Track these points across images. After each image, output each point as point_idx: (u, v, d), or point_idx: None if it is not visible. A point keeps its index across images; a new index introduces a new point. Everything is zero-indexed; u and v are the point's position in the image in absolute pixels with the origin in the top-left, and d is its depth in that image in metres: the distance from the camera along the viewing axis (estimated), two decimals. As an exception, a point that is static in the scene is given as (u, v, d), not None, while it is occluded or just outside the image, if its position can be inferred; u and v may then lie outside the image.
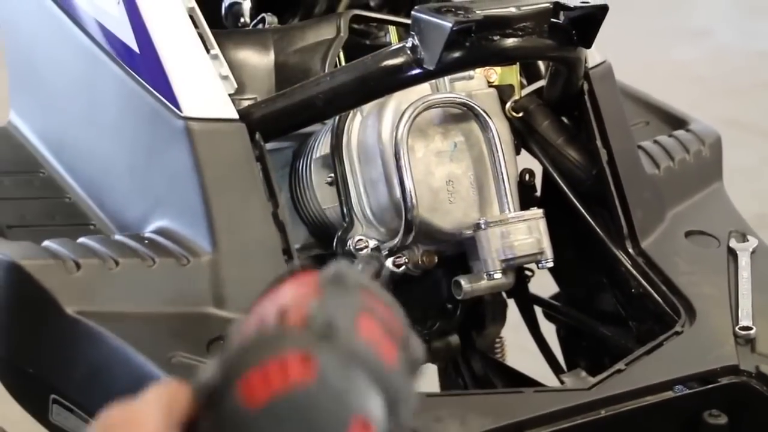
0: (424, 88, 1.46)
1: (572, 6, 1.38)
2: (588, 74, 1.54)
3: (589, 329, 1.62)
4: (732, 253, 1.56)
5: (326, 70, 1.55)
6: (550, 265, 1.46)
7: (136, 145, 1.53)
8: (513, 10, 1.37)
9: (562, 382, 1.51)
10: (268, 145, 1.46)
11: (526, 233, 1.44)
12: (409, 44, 1.38)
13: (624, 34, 3.54)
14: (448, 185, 1.47)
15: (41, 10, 1.67)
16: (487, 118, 1.47)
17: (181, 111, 1.43)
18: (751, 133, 3.99)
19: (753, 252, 1.56)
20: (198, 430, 0.72)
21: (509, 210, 1.46)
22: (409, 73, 1.39)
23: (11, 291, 1.39)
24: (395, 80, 1.41)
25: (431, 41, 1.35)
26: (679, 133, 1.76)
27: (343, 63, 1.57)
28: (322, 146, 1.52)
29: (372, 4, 1.75)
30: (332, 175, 1.50)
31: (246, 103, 1.52)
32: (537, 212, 1.46)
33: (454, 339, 1.62)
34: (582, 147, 1.56)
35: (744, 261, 1.54)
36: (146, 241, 1.42)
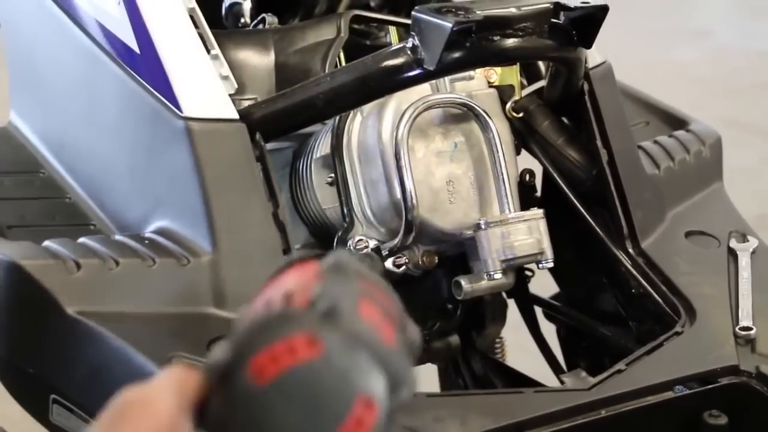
0: (424, 89, 1.46)
1: (572, 6, 1.38)
2: (588, 74, 1.54)
3: (589, 329, 1.62)
4: (732, 254, 1.56)
5: (326, 71, 1.55)
6: (550, 265, 1.46)
7: (137, 146, 1.53)
8: (513, 10, 1.37)
9: (562, 383, 1.51)
10: (269, 146, 1.46)
11: (527, 233, 1.44)
12: (409, 44, 1.38)
13: (624, 34, 3.54)
14: (448, 185, 1.47)
15: (41, 10, 1.67)
16: (487, 118, 1.47)
17: (181, 111, 1.43)
18: (751, 134, 3.99)
19: (753, 252, 1.56)
20: (209, 408, 0.74)
21: (509, 210, 1.46)
22: (410, 74, 1.39)
23: (11, 291, 1.39)
24: (395, 80, 1.41)
25: (431, 41, 1.35)
26: (680, 133, 1.76)
27: (344, 63, 1.57)
28: (322, 146, 1.52)
29: (372, 4, 1.75)
30: (332, 175, 1.50)
31: (246, 104, 1.52)
32: (537, 212, 1.46)
33: (455, 339, 1.62)
34: (582, 147, 1.56)
35: (744, 261, 1.54)
36: (146, 242, 1.42)
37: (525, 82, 1.60)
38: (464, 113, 1.48)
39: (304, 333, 0.72)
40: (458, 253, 1.49)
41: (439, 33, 1.34)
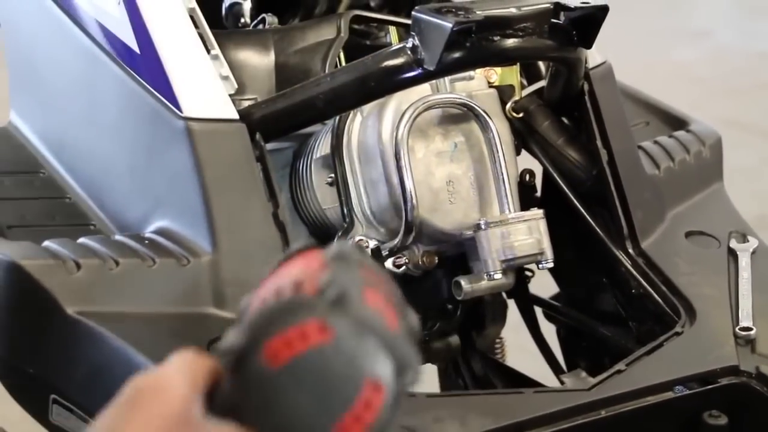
0: (424, 89, 1.46)
1: (573, 6, 1.38)
2: (588, 75, 1.54)
3: (589, 330, 1.62)
4: (732, 254, 1.56)
5: (326, 71, 1.55)
6: (551, 265, 1.46)
7: (137, 146, 1.53)
8: (513, 10, 1.37)
9: (562, 383, 1.51)
10: (269, 146, 1.46)
11: (527, 234, 1.44)
12: (409, 45, 1.38)
13: (624, 34, 3.54)
14: (448, 186, 1.47)
15: (42, 10, 1.67)
16: (487, 118, 1.47)
17: (181, 111, 1.43)
18: (751, 134, 3.99)
19: (753, 252, 1.56)
20: (221, 392, 0.76)
21: (509, 210, 1.46)
22: (410, 74, 1.39)
23: (11, 291, 1.39)
24: (395, 81, 1.41)
25: (432, 42, 1.35)
26: (680, 133, 1.76)
27: (344, 63, 1.57)
28: (322, 146, 1.52)
29: (372, 4, 1.75)
30: (332, 175, 1.50)
31: (246, 104, 1.52)
32: (537, 213, 1.46)
33: (455, 339, 1.62)
34: (582, 147, 1.56)
35: (744, 261, 1.54)
36: (146, 242, 1.42)
37: (525, 83, 1.60)
38: (464, 113, 1.48)
39: (315, 319, 0.74)
40: (458, 253, 1.49)
41: (439, 33, 1.34)
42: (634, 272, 1.51)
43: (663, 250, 1.54)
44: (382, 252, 1.46)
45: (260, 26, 1.69)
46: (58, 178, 1.67)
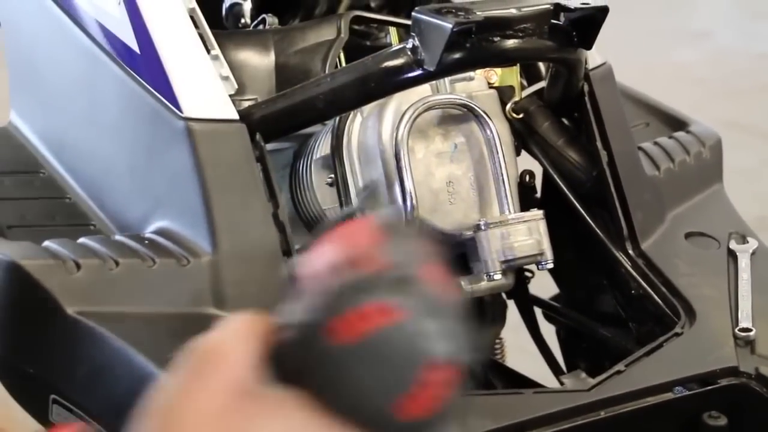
0: (424, 89, 1.46)
1: (572, 7, 1.38)
2: (588, 76, 1.54)
3: (589, 330, 1.62)
4: (732, 255, 1.56)
5: (327, 71, 1.55)
6: (550, 266, 1.46)
7: (137, 146, 1.53)
8: (513, 11, 1.37)
9: (561, 384, 1.51)
10: (269, 146, 1.46)
11: (526, 234, 1.44)
12: (409, 45, 1.39)
13: (624, 35, 3.54)
14: (448, 186, 1.47)
15: (42, 10, 1.67)
16: (487, 119, 1.47)
17: (181, 111, 1.43)
18: (752, 135, 3.99)
19: (753, 254, 1.56)
20: (283, 360, 0.76)
21: (509, 211, 1.46)
22: (410, 74, 1.39)
23: (11, 291, 1.39)
24: (396, 81, 1.41)
25: (432, 42, 1.35)
26: (680, 134, 1.76)
27: (344, 64, 1.57)
28: (322, 147, 1.52)
29: (372, 5, 1.75)
30: (332, 175, 1.50)
31: (246, 104, 1.52)
32: (537, 213, 1.46)
33: (454, 340, 1.62)
34: (582, 148, 1.56)
35: (744, 263, 1.54)
36: (146, 242, 1.42)
37: (525, 83, 1.60)
38: (464, 114, 1.48)
39: (380, 300, 0.74)
40: (458, 253, 1.49)
41: (439, 34, 1.34)
42: (634, 273, 1.51)
43: (663, 251, 1.54)
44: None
45: (260, 27, 1.69)
46: (58, 178, 1.67)
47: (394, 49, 1.42)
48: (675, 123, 1.82)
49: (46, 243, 1.41)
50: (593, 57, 1.55)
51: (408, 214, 1.42)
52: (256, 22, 1.71)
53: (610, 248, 1.53)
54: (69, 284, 1.35)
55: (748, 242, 1.58)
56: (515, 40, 1.37)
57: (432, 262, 0.79)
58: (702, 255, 1.56)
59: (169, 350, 1.29)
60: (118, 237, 1.45)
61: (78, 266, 1.36)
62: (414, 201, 1.42)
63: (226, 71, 1.52)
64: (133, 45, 1.49)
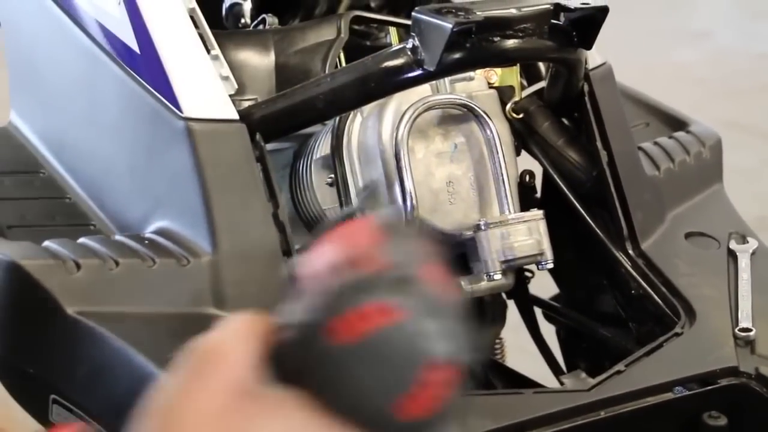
0: (424, 89, 1.46)
1: (572, 7, 1.38)
2: (588, 76, 1.54)
3: (589, 330, 1.62)
4: (732, 255, 1.56)
5: (327, 71, 1.55)
6: (550, 266, 1.46)
7: (137, 146, 1.53)
8: (513, 11, 1.37)
9: (561, 384, 1.51)
10: (269, 146, 1.46)
11: (526, 234, 1.44)
12: (409, 45, 1.39)
13: (624, 35, 3.54)
14: (448, 186, 1.47)
15: (42, 10, 1.67)
16: (487, 119, 1.47)
17: (181, 111, 1.43)
18: (752, 135, 3.99)
19: (753, 254, 1.56)
20: (282, 360, 0.76)
21: (509, 211, 1.46)
22: (410, 74, 1.39)
23: (11, 291, 1.39)
24: (396, 81, 1.41)
25: (432, 42, 1.35)
26: (680, 134, 1.76)
27: (344, 64, 1.57)
28: (322, 147, 1.52)
29: (372, 5, 1.75)
30: (332, 175, 1.50)
31: (246, 104, 1.52)
32: (537, 213, 1.46)
33: (454, 340, 1.62)
34: (582, 148, 1.56)
35: (744, 263, 1.54)
36: (146, 242, 1.42)
37: (525, 83, 1.60)
38: (464, 114, 1.48)
39: (380, 300, 0.75)
40: (458, 253, 1.49)
41: (439, 34, 1.34)
42: (634, 273, 1.51)
43: (663, 251, 1.54)
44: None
45: (260, 27, 1.69)
46: (59, 178, 1.67)
47: (394, 49, 1.42)
48: (675, 123, 1.82)
49: (46, 243, 1.41)
50: (593, 57, 1.56)
51: (408, 214, 1.42)
52: (256, 22, 1.71)
53: (610, 248, 1.53)
54: (69, 284, 1.35)
55: (748, 242, 1.58)
56: (515, 40, 1.37)
57: (432, 262, 0.79)
58: (702, 255, 1.56)
59: (169, 350, 1.29)
60: (118, 237, 1.45)
61: (78, 266, 1.36)
62: (414, 201, 1.42)
63: (226, 71, 1.52)
64: (133, 45, 1.49)
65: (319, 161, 1.52)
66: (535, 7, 1.38)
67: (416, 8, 1.38)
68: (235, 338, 0.76)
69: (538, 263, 1.46)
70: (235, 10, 1.72)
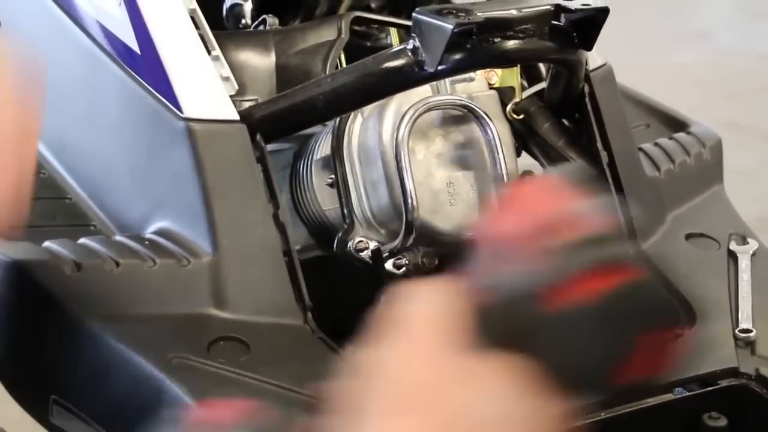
0: (425, 90, 1.46)
1: (573, 8, 1.38)
2: (589, 77, 1.54)
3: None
4: (732, 256, 1.56)
5: (327, 72, 1.55)
6: (551, 267, 1.46)
7: (137, 146, 1.53)
8: (514, 12, 1.37)
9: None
10: (269, 147, 1.46)
11: (527, 235, 1.44)
12: (410, 46, 1.39)
13: (625, 36, 3.54)
14: (448, 187, 1.47)
15: (42, 10, 1.67)
16: (487, 120, 1.47)
17: (182, 112, 1.44)
18: (752, 136, 3.99)
19: (753, 255, 1.56)
20: (490, 328, 0.74)
21: (510, 212, 1.46)
22: (410, 75, 1.39)
23: (11, 291, 1.40)
24: (396, 82, 1.41)
25: (432, 43, 1.35)
26: (680, 135, 1.76)
27: (344, 65, 1.57)
28: (322, 148, 1.52)
29: (373, 5, 1.75)
30: (333, 176, 1.50)
31: (247, 105, 1.52)
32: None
33: (454, 341, 1.62)
34: (582, 149, 1.56)
35: (744, 264, 1.54)
36: (147, 242, 1.42)
37: (525, 84, 1.60)
38: (465, 115, 1.48)
39: (611, 259, 0.74)
40: (459, 254, 1.49)
41: (440, 35, 1.34)
42: (634, 274, 1.50)
43: (663, 252, 1.54)
44: (383, 253, 1.46)
45: (261, 27, 1.69)
46: (59, 179, 1.67)
47: (394, 50, 1.42)
48: (675, 124, 1.82)
49: (47, 243, 1.41)
50: (594, 58, 1.56)
51: (408, 214, 1.42)
52: (256, 22, 1.71)
53: (611, 249, 1.52)
54: (69, 285, 1.35)
55: (748, 243, 1.58)
56: (516, 41, 1.37)
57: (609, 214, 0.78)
58: (702, 256, 1.56)
59: (169, 351, 1.30)
60: (118, 237, 1.45)
61: (78, 267, 1.36)
62: (414, 202, 1.42)
63: (227, 72, 1.52)
64: (134, 45, 1.49)
65: (320, 162, 1.52)
66: (535, 8, 1.38)
67: (417, 9, 1.38)
68: (438, 304, 0.75)
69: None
70: (236, 11, 1.72)
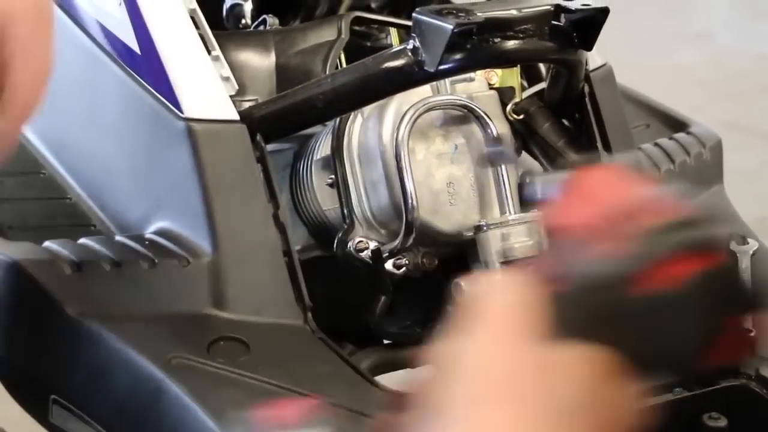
0: (425, 90, 1.46)
1: (573, 8, 1.38)
2: (589, 77, 1.54)
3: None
4: (732, 256, 1.56)
5: (327, 72, 1.55)
6: (551, 267, 1.46)
7: (137, 146, 1.53)
8: (514, 12, 1.37)
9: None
10: (269, 147, 1.46)
11: (527, 235, 1.44)
12: (410, 46, 1.39)
13: (625, 37, 3.54)
14: (448, 187, 1.47)
15: (43, 10, 1.67)
16: (487, 120, 1.47)
17: (182, 112, 1.44)
18: (752, 136, 3.99)
19: (753, 254, 1.56)
20: (566, 316, 0.74)
21: (510, 212, 1.46)
22: (410, 75, 1.39)
23: (11, 291, 1.40)
24: (396, 82, 1.41)
25: (432, 43, 1.35)
26: (680, 135, 1.76)
27: (344, 65, 1.57)
28: (322, 148, 1.52)
29: (373, 6, 1.75)
30: (333, 176, 1.50)
31: (247, 105, 1.52)
32: (537, 214, 1.46)
33: (454, 341, 1.62)
34: (583, 149, 1.56)
35: (744, 264, 1.54)
36: (147, 242, 1.42)
37: (525, 84, 1.60)
38: (465, 115, 1.48)
39: (698, 243, 0.74)
40: (458, 254, 1.49)
41: (440, 35, 1.34)
42: (635, 274, 1.50)
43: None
44: (383, 253, 1.46)
45: (261, 27, 1.69)
46: (59, 179, 1.67)
47: (394, 50, 1.42)
48: (675, 124, 1.82)
49: (47, 243, 1.41)
50: (594, 58, 1.56)
51: (408, 214, 1.42)
52: (256, 22, 1.71)
53: (611, 249, 1.52)
54: (69, 285, 1.36)
55: (748, 243, 1.58)
56: (516, 42, 1.37)
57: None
58: (702, 256, 1.56)
59: (169, 351, 1.30)
60: (118, 237, 1.45)
61: (78, 267, 1.36)
62: (414, 202, 1.42)
63: (227, 72, 1.52)
64: (134, 45, 1.49)
65: (320, 162, 1.52)
66: (535, 9, 1.38)
67: (417, 9, 1.38)
68: (516, 294, 0.75)
69: (538, 264, 1.46)
70: (236, 11, 1.72)
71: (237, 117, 1.45)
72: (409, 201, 1.42)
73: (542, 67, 1.61)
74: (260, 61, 1.61)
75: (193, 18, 1.50)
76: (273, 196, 1.43)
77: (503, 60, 1.44)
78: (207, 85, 1.46)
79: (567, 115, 1.58)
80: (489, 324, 0.74)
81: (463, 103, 1.48)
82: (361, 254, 1.47)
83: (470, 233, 1.45)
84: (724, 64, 4.66)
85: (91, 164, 1.64)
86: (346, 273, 1.50)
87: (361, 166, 1.48)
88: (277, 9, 1.73)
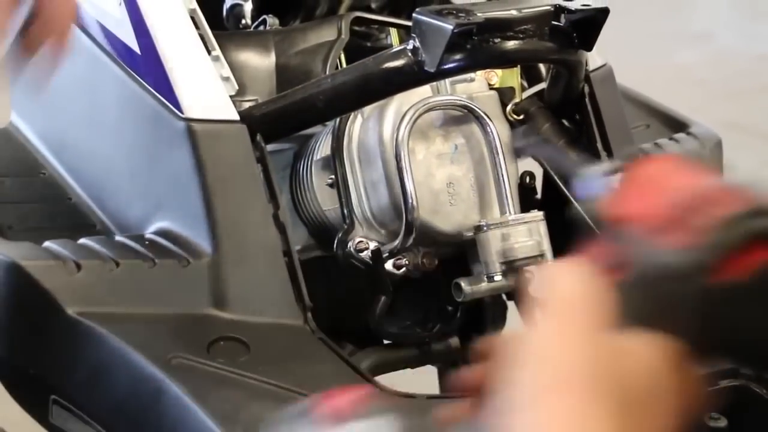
0: (425, 90, 1.46)
1: (573, 9, 1.38)
2: (589, 77, 1.54)
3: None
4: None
5: (327, 72, 1.55)
6: (551, 267, 1.46)
7: (137, 147, 1.53)
8: (514, 12, 1.37)
9: (562, 385, 1.51)
10: (269, 147, 1.46)
11: (527, 235, 1.44)
12: (410, 46, 1.39)
13: (625, 37, 3.54)
14: (448, 187, 1.47)
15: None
16: (487, 120, 1.47)
17: (182, 112, 1.44)
18: (752, 136, 3.99)
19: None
20: (635, 305, 0.74)
21: (510, 212, 1.46)
22: (410, 76, 1.40)
23: (12, 291, 1.40)
24: (396, 82, 1.41)
25: (432, 43, 1.35)
26: (680, 136, 1.76)
27: (344, 65, 1.57)
28: (322, 148, 1.52)
29: (373, 6, 1.75)
30: (333, 176, 1.50)
31: (247, 105, 1.52)
32: (537, 214, 1.46)
33: (455, 341, 1.62)
34: (583, 150, 1.56)
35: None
36: (147, 242, 1.42)
37: (526, 85, 1.60)
38: (465, 115, 1.48)
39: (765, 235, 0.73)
40: (458, 254, 1.49)
41: (440, 35, 1.34)
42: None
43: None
44: (383, 254, 1.46)
45: (261, 27, 1.69)
46: (59, 179, 1.67)
47: (394, 50, 1.42)
48: (675, 124, 1.82)
49: (47, 243, 1.41)
50: (594, 58, 1.56)
51: (408, 214, 1.42)
52: (256, 22, 1.71)
53: (611, 249, 1.52)
54: (69, 285, 1.36)
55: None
56: (516, 42, 1.37)
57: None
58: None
59: (169, 351, 1.30)
60: (118, 238, 1.45)
61: (78, 267, 1.36)
62: (414, 202, 1.42)
63: (227, 72, 1.52)
64: (134, 46, 1.49)
65: (320, 162, 1.52)
66: (535, 9, 1.38)
67: (417, 9, 1.38)
68: (584, 284, 0.75)
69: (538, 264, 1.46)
70: (236, 11, 1.72)
71: (237, 117, 1.45)
72: (409, 201, 1.42)
73: (542, 67, 1.61)
74: (260, 61, 1.61)
75: (193, 18, 1.50)
76: (273, 196, 1.43)
77: (503, 60, 1.44)
78: (207, 85, 1.46)
79: (567, 115, 1.58)
80: (557, 313, 0.74)
81: (463, 103, 1.48)
82: (361, 254, 1.47)
83: (470, 233, 1.45)
84: (724, 64, 4.66)
85: (91, 164, 1.64)
86: (346, 273, 1.50)
87: (361, 166, 1.48)
88: (277, 9, 1.73)
